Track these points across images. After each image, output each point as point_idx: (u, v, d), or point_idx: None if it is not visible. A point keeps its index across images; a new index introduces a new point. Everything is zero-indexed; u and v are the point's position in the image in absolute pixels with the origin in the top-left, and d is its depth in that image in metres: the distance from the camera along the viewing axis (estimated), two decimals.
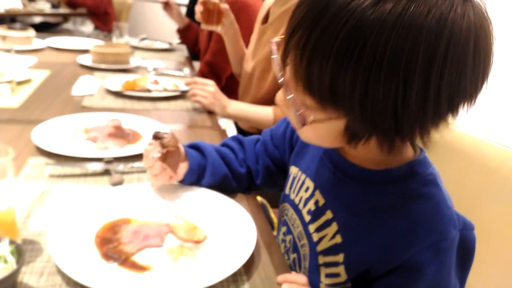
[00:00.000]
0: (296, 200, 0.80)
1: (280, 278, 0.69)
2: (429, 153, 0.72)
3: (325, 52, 0.50)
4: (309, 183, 0.77)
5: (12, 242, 0.61)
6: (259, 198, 1.00)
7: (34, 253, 0.70)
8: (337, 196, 0.71)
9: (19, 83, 1.55)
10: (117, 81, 1.70)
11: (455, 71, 0.49)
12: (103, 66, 1.96)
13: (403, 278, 0.63)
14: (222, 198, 0.86)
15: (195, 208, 0.84)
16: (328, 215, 0.71)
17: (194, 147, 0.93)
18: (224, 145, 0.99)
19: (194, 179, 0.90)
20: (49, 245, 0.67)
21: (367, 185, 0.67)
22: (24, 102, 1.40)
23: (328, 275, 0.71)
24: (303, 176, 0.80)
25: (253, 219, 0.80)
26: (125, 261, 0.68)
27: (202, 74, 2.16)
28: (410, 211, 0.63)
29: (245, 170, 0.95)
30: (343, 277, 0.69)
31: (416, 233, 0.62)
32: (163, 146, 0.82)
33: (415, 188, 0.64)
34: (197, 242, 0.75)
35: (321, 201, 0.73)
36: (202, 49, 2.32)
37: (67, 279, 0.65)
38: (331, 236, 0.70)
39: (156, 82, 1.76)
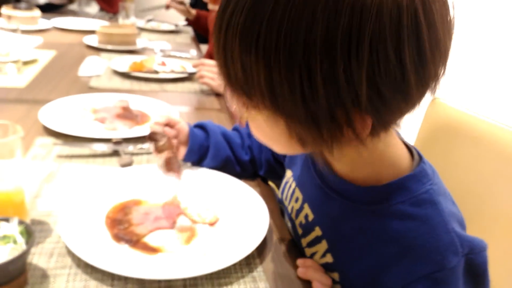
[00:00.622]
0: (289, 209, 0.77)
1: (300, 261, 0.67)
2: (443, 141, 0.68)
3: (232, 36, 0.46)
4: (299, 194, 0.74)
5: (21, 222, 0.59)
6: (270, 182, 0.98)
7: (43, 234, 0.68)
8: (324, 213, 0.67)
9: (25, 63, 1.53)
10: (124, 62, 1.68)
11: (368, 51, 0.42)
12: (109, 47, 1.93)
13: None
14: (234, 181, 0.85)
15: (206, 190, 0.83)
16: (318, 231, 0.68)
17: (200, 126, 0.92)
18: (234, 129, 0.97)
19: (195, 159, 0.88)
20: (58, 226, 0.66)
21: (352, 203, 0.62)
22: (31, 82, 1.38)
23: None
24: (294, 184, 0.76)
25: (265, 202, 0.78)
26: (137, 242, 0.67)
27: (210, 55, 2.13)
28: (400, 234, 0.57)
29: (249, 158, 0.92)
30: None
31: (409, 260, 0.56)
32: (157, 150, 0.79)
33: (402, 208, 0.57)
34: (209, 224, 0.73)
35: (310, 216, 0.69)
36: (211, 30, 2.29)
37: (77, 261, 0.63)
38: (321, 253, 0.67)
39: (163, 64, 1.74)
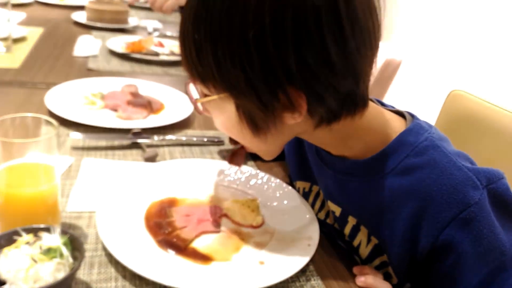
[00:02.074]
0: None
1: (357, 269, 0.63)
2: (462, 133, 0.66)
3: (187, 18, 0.52)
4: (319, 192, 0.74)
5: (64, 232, 0.52)
6: None
7: None
8: (347, 200, 0.66)
9: (15, 40, 1.41)
10: (119, 43, 1.58)
11: (291, 21, 0.47)
12: (99, 24, 1.81)
13: (445, 265, 0.58)
14: (271, 179, 0.79)
15: (244, 189, 0.77)
16: (352, 220, 0.67)
17: None
18: None
19: None
20: (101, 234, 0.59)
21: (364, 179, 0.63)
22: (24, 62, 1.27)
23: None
24: (315, 189, 0.75)
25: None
26: (185, 249, 0.61)
27: None
28: (413, 188, 0.58)
29: None
30: (395, 279, 0.65)
31: (432, 209, 0.56)
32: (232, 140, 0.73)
33: (408, 162, 0.59)
34: (255, 227, 0.68)
35: (338, 210, 0.68)
36: None
37: (123, 271, 0.57)
38: (366, 240, 0.66)
39: (160, 44, 1.64)
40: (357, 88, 0.54)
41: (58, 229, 0.52)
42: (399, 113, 0.66)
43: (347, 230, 0.68)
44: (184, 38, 0.54)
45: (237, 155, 0.69)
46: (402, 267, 0.63)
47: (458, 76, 2.30)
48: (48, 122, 0.57)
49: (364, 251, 0.67)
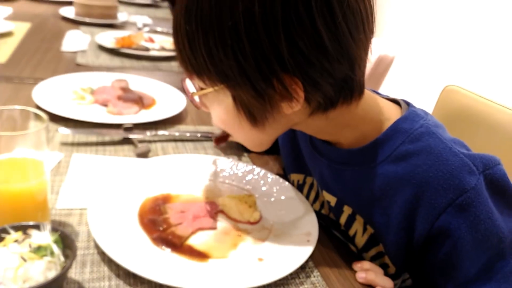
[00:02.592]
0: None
1: (357, 264, 0.62)
2: (456, 128, 0.65)
3: (179, 11, 0.52)
4: (314, 182, 0.73)
5: (54, 229, 0.50)
6: None
7: None
8: (343, 189, 0.66)
9: (1, 35, 1.37)
10: (108, 38, 1.54)
11: (280, 6, 0.46)
12: (87, 19, 1.78)
13: (442, 251, 0.57)
14: (267, 174, 0.77)
15: (238, 184, 0.75)
16: (347, 210, 0.66)
17: None
18: None
19: None
20: (93, 232, 0.56)
21: (359, 167, 0.62)
22: (11, 57, 1.24)
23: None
24: (308, 180, 0.74)
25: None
26: (180, 246, 0.59)
27: None
28: (409, 175, 0.57)
29: None
30: (392, 268, 0.64)
31: (428, 195, 0.56)
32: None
33: (403, 148, 0.58)
34: (252, 223, 0.66)
35: (333, 200, 0.67)
36: None
37: (117, 270, 0.55)
38: (362, 230, 0.65)
39: (151, 40, 1.62)
40: (353, 73, 0.53)
41: (48, 226, 0.49)
42: (395, 101, 0.66)
43: (343, 219, 0.67)
44: (177, 32, 0.54)
45: (223, 139, 0.67)
46: (398, 255, 0.62)
47: (452, 72, 2.31)
48: (37, 116, 0.54)
49: (360, 240, 0.66)
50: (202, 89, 0.57)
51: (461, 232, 0.55)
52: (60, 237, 0.49)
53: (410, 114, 0.61)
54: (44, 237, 0.48)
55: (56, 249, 0.48)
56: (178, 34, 0.53)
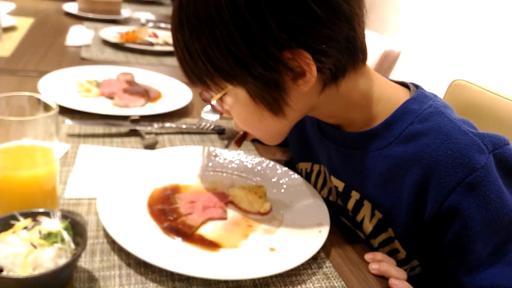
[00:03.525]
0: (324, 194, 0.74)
1: (369, 256, 0.61)
2: (476, 123, 0.65)
3: (174, 24, 0.55)
4: (323, 170, 0.72)
5: (65, 216, 0.49)
6: None
7: None
8: (351, 174, 0.65)
9: (5, 29, 1.36)
10: (112, 33, 1.54)
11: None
12: (91, 15, 1.77)
13: (451, 232, 0.56)
14: (277, 166, 0.77)
15: (247, 176, 0.74)
16: (355, 195, 0.65)
17: None
18: None
19: None
20: (103, 220, 0.55)
21: (364, 150, 0.62)
22: (15, 51, 1.23)
23: (388, 254, 0.64)
24: (316, 167, 0.74)
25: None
26: (191, 236, 0.58)
27: None
28: (418, 155, 0.57)
29: None
30: (402, 252, 0.63)
31: (438, 174, 0.55)
32: None
33: (412, 129, 0.58)
34: (263, 214, 0.65)
35: (341, 185, 0.67)
36: None
37: (127, 259, 0.54)
38: (370, 215, 0.64)
39: (154, 35, 1.61)
40: (354, 32, 0.53)
41: (58, 213, 0.48)
42: (404, 85, 0.66)
43: (350, 205, 0.66)
44: (176, 46, 0.56)
45: (242, 139, 0.68)
46: (409, 238, 0.61)
47: (459, 66, 2.30)
48: (45, 104, 0.54)
49: (368, 226, 0.65)
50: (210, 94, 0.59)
51: (471, 212, 0.54)
52: (70, 224, 0.48)
53: (419, 96, 0.60)
54: (54, 223, 0.47)
55: (67, 236, 0.47)
56: (177, 48, 0.56)
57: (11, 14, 1.60)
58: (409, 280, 0.60)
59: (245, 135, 0.68)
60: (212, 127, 0.89)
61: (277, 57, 0.51)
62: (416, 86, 0.64)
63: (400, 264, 0.62)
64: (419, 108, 0.59)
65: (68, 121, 0.82)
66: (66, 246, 0.46)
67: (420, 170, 0.57)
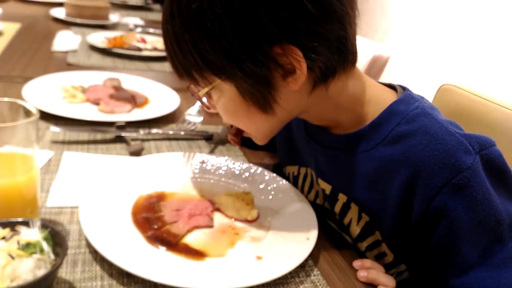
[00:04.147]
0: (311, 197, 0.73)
1: (357, 263, 0.60)
2: (464, 128, 0.65)
3: (165, 16, 0.54)
4: (310, 173, 0.72)
5: (44, 226, 0.47)
6: None
7: None
8: (338, 176, 0.65)
9: None
10: (99, 38, 1.52)
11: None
12: (78, 20, 1.76)
13: (438, 233, 0.56)
14: (264, 172, 0.76)
15: (235, 182, 0.73)
16: (342, 197, 0.65)
17: None
18: None
19: None
20: (85, 230, 0.54)
21: (351, 151, 0.62)
22: (0, 56, 1.21)
23: (376, 258, 0.64)
24: (303, 170, 0.74)
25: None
26: (176, 245, 0.56)
27: None
28: (405, 156, 0.56)
29: None
30: (390, 256, 0.63)
31: (424, 175, 0.55)
32: None
33: (398, 130, 0.58)
34: (250, 221, 0.64)
35: (328, 188, 0.66)
36: None
37: (109, 269, 0.52)
38: (357, 218, 0.64)
39: (143, 41, 1.60)
40: (345, 32, 0.53)
41: (38, 223, 0.47)
42: (392, 87, 0.66)
43: (338, 208, 0.66)
44: (165, 38, 0.55)
45: (238, 134, 0.67)
46: (396, 241, 0.61)
47: (447, 71, 2.31)
48: (26, 110, 0.52)
49: (355, 229, 0.64)
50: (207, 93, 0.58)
51: (458, 213, 0.54)
52: (50, 234, 0.47)
53: (406, 97, 0.60)
54: (33, 233, 0.46)
55: (46, 246, 0.45)
56: (167, 40, 0.55)
57: None
58: (397, 285, 0.60)
59: (241, 130, 0.67)
60: (195, 128, 0.88)
61: (268, 52, 0.50)
62: (404, 88, 0.64)
63: (387, 268, 0.62)
64: (405, 109, 0.59)
65: (52, 128, 0.80)
66: (46, 256, 0.45)
67: (407, 171, 0.56)
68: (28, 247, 0.44)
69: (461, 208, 0.53)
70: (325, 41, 0.52)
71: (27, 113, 0.52)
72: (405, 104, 0.59)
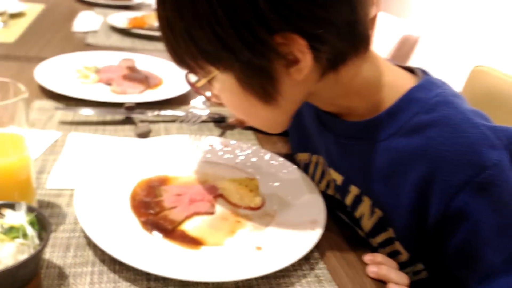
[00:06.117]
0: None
1: (368, 257, 0.56)
2: (485, 111, 0.59)
3: (158, 4, 0.50)
4: (321, 161, 0.67)
5: (31, 209, 0.46)
6: None
7: (55, 220, 0.55)
8: (350, 167, 0.60)
9: (12, 15, 1.35)
10: (120, 18, 1.51)
11: None
12: (102, 1, 1.75)
13: (459, 237, 0.51)
14: (272, 156, 0.72)
15: (242, 167, 0.70)
16: (354, 190, 0.60)
17: None
18: None
19: None
20: (77, 213, 0.52)
21: (364, 141, 0.57)
22: (20, 37, 1.21)
23: (389, 255, 0.59)
24: (314, 158, 0.69)
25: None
26: (172, 231, 0.54)
27: None
28: (423, 148, 0.51)
29: None
30: (404, 254, 0.58)
31: (444, 170, 0.49)
32: None
33: (417, 120, 0.52)
34: (253, 209, 0.61)
35: (339, 178, 0.62)
36: None
37: (102, 255, 0.50)
38: (369, 213, 0.59)
39: None
40: (356, 15, 0.48)
41: (24, 206, 0.45)
42: (411, 70, 0.60)
43: (349, 200, 0.61)
44: (159, 23, 0.52)
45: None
46: (411, 240, 0.56)
47: (481, 52, 2.19)
48: (16, 88, 0.50)
49: (367, 223, 0.60)
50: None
51: (481, 216, 0.48)
52: (36, 218, 0.45)
53: (426, 83, 0.55)
54: (18, 217, 0.44)
55: (30, 231, 0.43)
56: (160, 25, 0.52)
57: (22, 0, 1.59)
58: (413, 285, 0.55)
59: None
60: (198, 121, 0.84)
61: (267, 42, 0.46)
62: (424, 72, 0.58)
63: (402, 267, 0.57)
64: (425, 97, 0.53)
65: (58, 107, 0.79)
66: (29, 241, 0.43)
67: (424, 166, 0.51)
68: (11, 231, 0.43)
69: (485, 210, 0.48)
70: (333, 27, 0.47)
71: (17, 92, 0.50)
72: (425, 91, 0.54)
